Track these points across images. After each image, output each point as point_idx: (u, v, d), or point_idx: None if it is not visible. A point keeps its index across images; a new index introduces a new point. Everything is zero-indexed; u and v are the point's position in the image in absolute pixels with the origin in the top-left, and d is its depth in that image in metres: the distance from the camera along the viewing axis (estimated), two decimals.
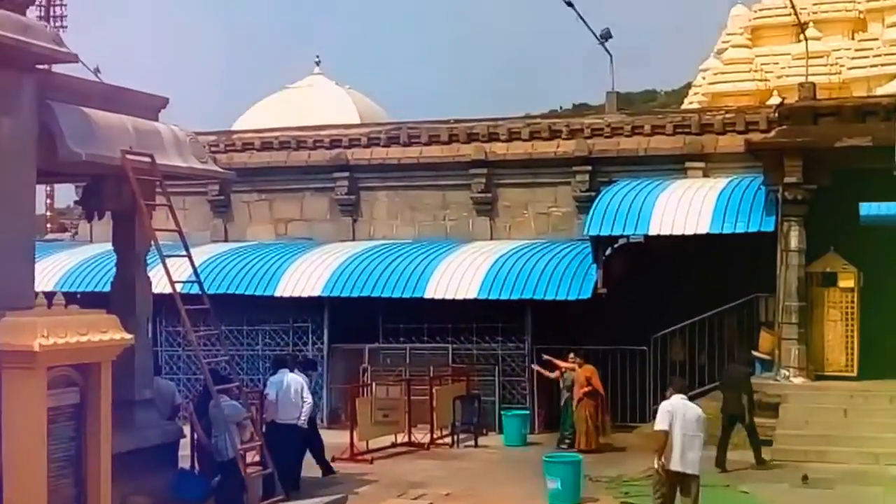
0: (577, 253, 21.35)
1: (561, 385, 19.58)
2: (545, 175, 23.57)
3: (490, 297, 20.77)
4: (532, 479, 15.48)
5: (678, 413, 12.05)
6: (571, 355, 19.30)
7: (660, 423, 12.05)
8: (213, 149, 23.14)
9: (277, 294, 22.12)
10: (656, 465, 12.05)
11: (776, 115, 20.65)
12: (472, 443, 19.62)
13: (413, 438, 19.46)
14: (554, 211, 23.62)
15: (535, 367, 20.29)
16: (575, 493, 14.45)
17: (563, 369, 19.37)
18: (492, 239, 23.58)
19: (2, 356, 10.73)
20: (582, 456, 15.96)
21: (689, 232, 19.94)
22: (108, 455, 11.53)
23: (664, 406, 12.24)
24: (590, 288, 20.29)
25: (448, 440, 19.71)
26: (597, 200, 21.17)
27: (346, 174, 24.83)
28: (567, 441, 18.87)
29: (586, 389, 18.56)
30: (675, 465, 11.94)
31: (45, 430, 10.80)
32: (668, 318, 20.47)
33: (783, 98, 23.24)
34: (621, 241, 21.57)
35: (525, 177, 23.76)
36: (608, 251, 21.10)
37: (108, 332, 11.47)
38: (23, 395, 10.69)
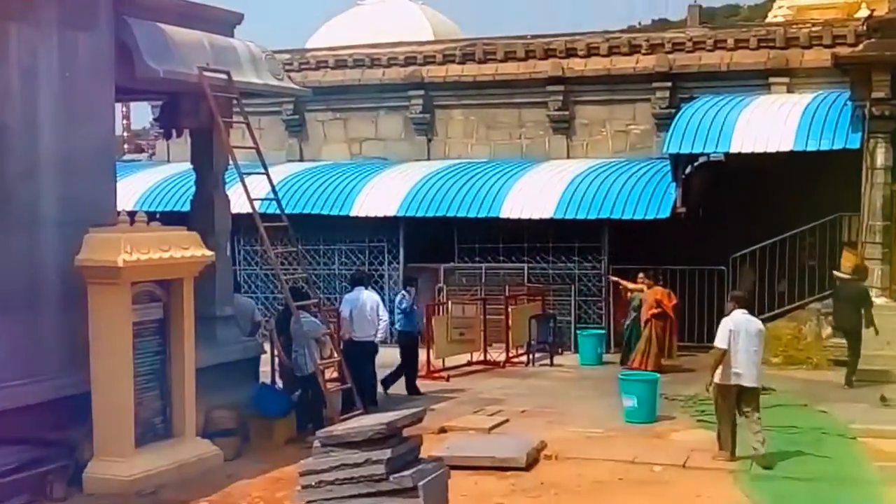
0: (655, 171, 21.02)
1: (629, 306, 19.38)
2: (624, 92, 23.15)
3: (566, 217, 20.57)
4: (608, 398, 15.49)
5: (741, 329, 11.98)
6: (641, 275, 19.09)
7: (719, 341, 12.01)
8: (286, 67, 22.97)
9: (353, 214, 22.15)
10: (708, 381, 12.17)
11: (865, 27, 20.00)
12: (548, 362, 19.63)
13: (488, 357, 19.52)
14: (632, 128, 23.25)
15: (613, 279, 20.14)
16: (651, 411, 14.39)
17: (631, 290, 19.16)
18: (568, 157, 23.31)
19: (87, 272, 10.92)
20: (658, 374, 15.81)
21: (771, 149, 19.48)
22: (191, 369, 11.73)
23: (725, 323, 12.15)
24: (668, 207, 19.98)
25: (523, 359, 19.73)
26: (677, 117, 20.75)
27: (421, 92, 24.63)
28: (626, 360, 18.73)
29: (655, 311, 18.25)
30: (742, 381, 11.93)
31: (130, 343, 11.00)
32: (748, 238, 20.11)
33: (872, 10, 22.47)
34: (701, 160, 21.18)
35: (603, 94, 23.36)
36: (688, 170, 20.74)
37: (189, 249, 11.60)
38: (108, 309, 10.89)
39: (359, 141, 25.64)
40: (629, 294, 19.24)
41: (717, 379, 12.04)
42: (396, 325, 17.04)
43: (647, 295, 18.48)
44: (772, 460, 11.87)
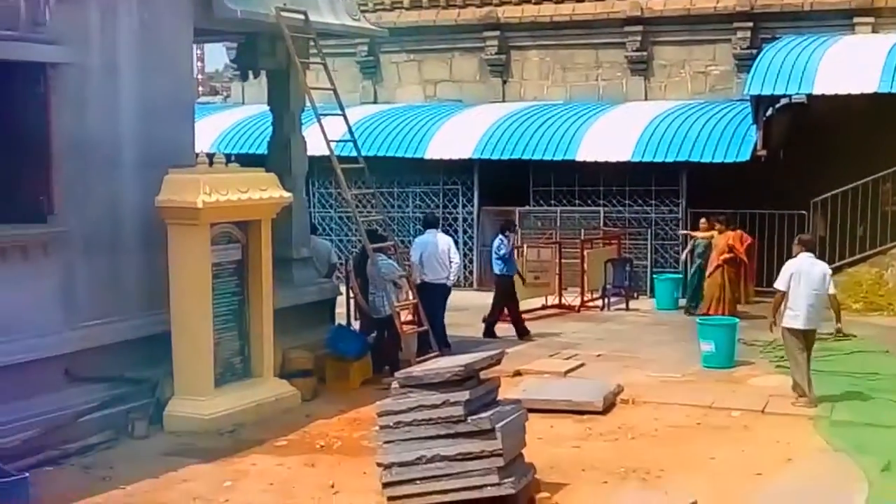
0: (735, 113, 20.61)
1: (693, 253, 19.06)
2: (704, 32, 22.66)
3: (644, 160, 20.29)
4: (685, 342, 15.37)
5: (804, 272, 11.97)
6: (703, 221, 18.80)
7: (778, 283, 12.12)
8: (361, 8, 22.84)
9: (427, 156, 22.06)
10: (770, 323, 12.33)
11: None
12: (623, 306, 19.48)
13: (563, 301, 19.42)
14: (712, 70, 22.79)
15: (683, 233, 19.91)
16: (729, 356, 14.23)
17: (696, 238, 18.82)
18: (646, 99, 22.95)
19: (167, 213, 11.01)
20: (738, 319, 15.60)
21: (855, 91, 18.92)
22: (269, 310, 11.82)
23: (787, 266, 12.17)
24: (748, 150, 19.59)
25: (598, 303, 19.61)
26: (759, 58, 20.23)
27: (497, 33, 24.34)
28: (692, 307, 18.47)
29: (726, 256, 17.88)
30: (797, 323, 11.98)
31: (209, 284, 11.10)
32: (829, 182, 19.69)
33: None
34: (783, 102, 20.72)
35: (682, 34, 22.89)
36: (769, 112, 20.31)
37: (267, 190, 11.64)
38: (188, 250, 10.99)
39: (433, 83, 25.47)
40: (694, 240, 19.00)
41: (782, 322, 12.13)
42: (495, 270, 16.85)
43: (719, 240, 18.12)
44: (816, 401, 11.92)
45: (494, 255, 16.64)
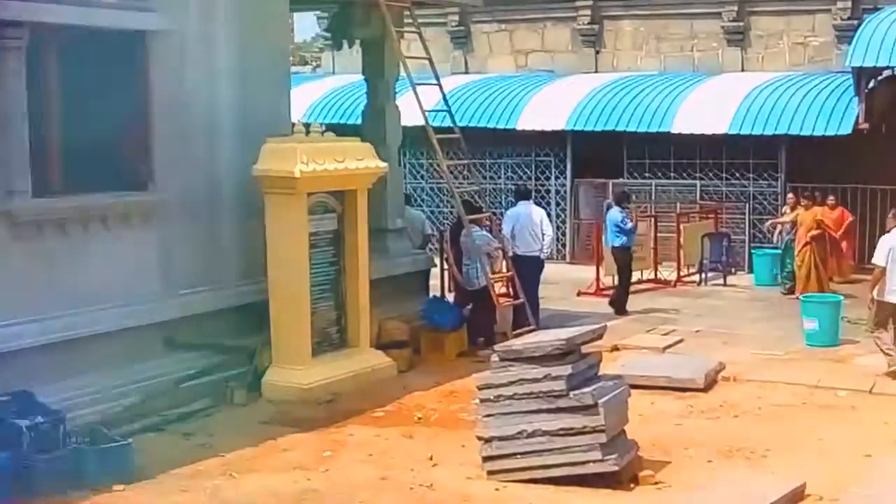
0: (836, 86, 20.01)
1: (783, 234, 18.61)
2: (802, 2, 21.95)
3: (741, 132, 19.82)
4: (785, 319, 15.05)
5: None
6: (790, 195, 18.27)
7: (876, 258, 11.95)
8: None
9: (519, 128, 21.80)
10: (869, 299, 12.20)
11: None
12: (720, 282, 19.07)
13: (659, 275, 19.11)
14: (811, 41, 22.12)
15: (770, 223, 19.42)
16: (833, 334, 13.86)
17: (790, 221, 18.28)
18: (743, 71, 22.39)
19: (264, 181, 11.01)
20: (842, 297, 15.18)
21: None
22: (366, 280, 11.78)
23: (883, 241, 12.01)
24: (850, 123, 19.01)
25: (695, 278, 19.24)
26: (861, 28, 19.60)
27: (589, 3, 23.85)
28: (786, 286, 17.99)
29: (814, 234, 17.37)
30: (893, 298, 11.81)
31: (307, 253, 11.08)
32: None
33: None
34: (885, 73, 20.07)
35: (780, 3, 22.22)
36: (871, 84, 19.69)
37: (364, 160, 11.57)
38: (285, 219, 10.99)
39: (525, 53, 25.15)
40: (780, 223, 18.53)
41: (876, 296, 11.97)
42: (615, 243, 16.55)
43: (805, 216, 17.60)
44: None
45: (616, 229, 16.26)
